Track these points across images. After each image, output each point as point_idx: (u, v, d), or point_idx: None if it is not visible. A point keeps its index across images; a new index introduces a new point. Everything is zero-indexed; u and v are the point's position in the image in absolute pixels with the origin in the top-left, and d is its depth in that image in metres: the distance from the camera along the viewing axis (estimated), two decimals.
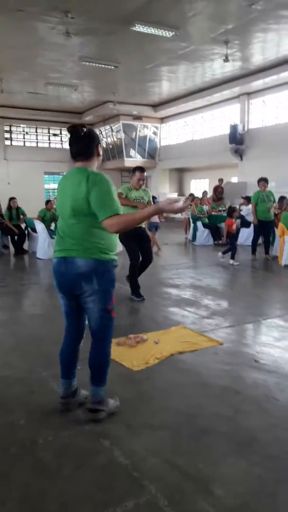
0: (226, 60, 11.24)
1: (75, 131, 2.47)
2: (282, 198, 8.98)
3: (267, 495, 1.93)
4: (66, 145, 21.77)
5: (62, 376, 2.68)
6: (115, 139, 20.71)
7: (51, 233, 9.20)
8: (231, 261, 8.08)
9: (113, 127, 20.61)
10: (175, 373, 3.25)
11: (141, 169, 5.52)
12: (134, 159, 20.77)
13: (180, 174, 21.85)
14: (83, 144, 2.46)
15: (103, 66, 12.34)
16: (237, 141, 15.67)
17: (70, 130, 2.49)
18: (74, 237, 2.40)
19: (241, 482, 2.00)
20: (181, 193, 21.32)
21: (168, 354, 3.56)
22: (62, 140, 22.12)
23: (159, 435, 2.41)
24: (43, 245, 9.10)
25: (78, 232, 2.39)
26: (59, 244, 2.48)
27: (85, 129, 2.47)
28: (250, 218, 10.51)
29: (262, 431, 2.42)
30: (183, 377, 3.16)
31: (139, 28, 9.30)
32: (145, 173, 5.57)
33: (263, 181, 8.48)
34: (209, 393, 2.89)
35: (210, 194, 14.86)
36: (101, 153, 2.54)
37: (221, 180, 15.09)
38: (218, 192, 14.59)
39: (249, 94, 15.80)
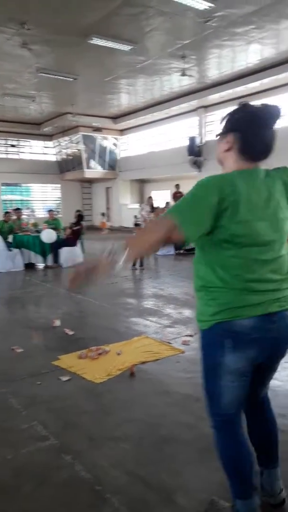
0: (183, 74, 11.51)
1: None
2: None
3: (230, 501, 1.94)
4: (24, 156, 21.51)
5: (246, 495, 1.69)
6: (75, 150, 20.64)
7: (9, 245, 9.01)
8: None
9: (72, 139, 20.54)
10: (137, 383, 3.24)
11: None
12: (94, 170, 20.77)
13: (141, 185, 22.03)
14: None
15: (61, 78, 12.32)
16: (195, 153, 16.02)
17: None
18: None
19: (204, 490, 2.01)
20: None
21: (130, 364, 3.54)
22: (19, 151, 21.77)
23: (122, 447, 2.39)
24: (0, 258, 8.88)
25: None
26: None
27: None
28: None
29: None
30: (145, 387, 3.16)
31: (97, 41, 9.38)
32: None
33: None
34: (171, 402, 2.90)
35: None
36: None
37: (177, 186, 15.32)
38: (177, 198, 14.81)
39: (206, 107, 16.23)
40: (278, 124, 1.59)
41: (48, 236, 9.20)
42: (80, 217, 9.93)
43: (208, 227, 1.50)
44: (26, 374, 3.43)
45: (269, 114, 1.57)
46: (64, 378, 3.32)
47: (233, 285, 1.54)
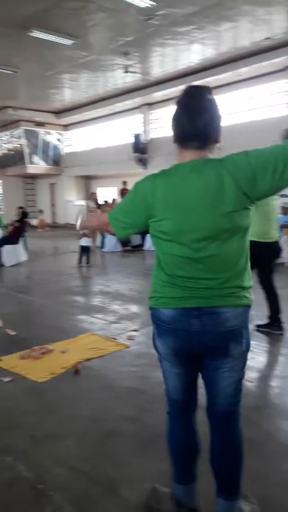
0: (126, 71, 11.53)
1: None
2: None
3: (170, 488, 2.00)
4: None
5: (181, 480, 1.77)
6: (16, 145, 20.03)
7: None
8: None
9: (13, 133, 19.91)
10: (82, 380, 3.23)
11: None
12: (37, 165, 20.26)
13: (87, 182, 21.80)
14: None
15: (0, 70, 11.89)
16: (140, 150, 16.12)
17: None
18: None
19: (146, 479, 2.06)
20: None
21: (75, 362, 3.52)
22: None
23: (65, 443, 2.38)
24: None
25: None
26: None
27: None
28: None
29: (164, 427, 2.49)
30: (90, 383, 3.16)
31: (37, 34, 9.15)
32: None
33: None
34: (115, 396, 2.93)
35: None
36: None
37: (125, 183, 15.35)
38: (124, 194, 14.84)
39: (150, 105, 16.36)
40: (212, 107, 1.54)
41: None
42: (24, 214, 9.66)
43: (139, 225, 1.63)
44: None
45: (187, 95, 1.56)
46: (6, 379, 3.24)
47: (161, 276, 1.61)
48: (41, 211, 20.97)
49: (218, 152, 1.60)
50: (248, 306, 1.57)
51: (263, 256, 4.10)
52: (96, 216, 1.88)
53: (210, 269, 1.51)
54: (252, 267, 1.62)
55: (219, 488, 1.67)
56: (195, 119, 1.51)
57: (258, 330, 4.26)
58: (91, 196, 12.97)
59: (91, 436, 2.45)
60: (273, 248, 4.29)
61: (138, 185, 1.61)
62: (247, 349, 1.61)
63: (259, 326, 4.31)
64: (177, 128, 1.57)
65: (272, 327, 4.27)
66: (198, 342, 1.56)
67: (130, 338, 4.19)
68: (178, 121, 1.56)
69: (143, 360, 3.60)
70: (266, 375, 3.21)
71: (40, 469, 2.14)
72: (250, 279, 1.59)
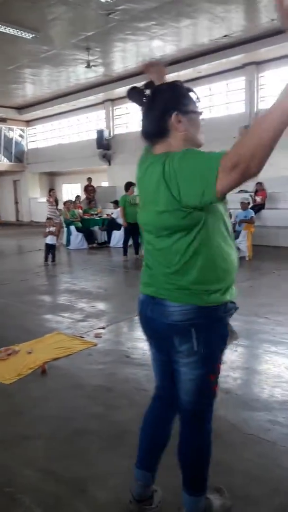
0: (88, 66, 11.44)
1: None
2: None
3: None
4: None
5: (139, 465, 1.81)
6: None
7: None
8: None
9: None
10: (50, 380, 3.22)
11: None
12: (0, 162, 19.81)
13: (51, 178, 21.49)
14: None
15: None
16: (104, 146, 16.04)
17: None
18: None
19: (113, 476, 2.08)
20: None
21: (42, 362, 3.49)
22: None
23: (33, 444, 2.37)
24: None
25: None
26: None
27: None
28: (120, 220, 10.86)
29: (132, 423, 2.52)
30: (58, 383, 3.15)
31: None
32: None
33: (132, 185, 8.82)
34: (83, 394, 2.93)
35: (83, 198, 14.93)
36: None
37: (89, 179, 15.23)
38: (89, 190, 14.72)
39: (113, 101, 16.29)
40: (149, 103, 1.55)
41: None
42: None
43: None
44: None
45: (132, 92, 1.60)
46: None
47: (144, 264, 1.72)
48: None
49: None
50: (204, 307, 1.50)
51: None
52: None
53: (157, 262, 1.58)
54: None
55: (182, 482, 1.70)
56: (142, 119, 1.58)
57: None
58: (49, 192, 12.75)
59: (59, 435, 2.45)
60: None
61: None
62: (207, 351, 1.54)
63: None
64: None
65: None
66: (150, 328, 1.68)
67: (97, 335, 4.20)
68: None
69: (110, 358, 3.62)
70: (228, 366, 3.30)
71: (7, 471, 2.13)
72: (207, 280, 1.50)
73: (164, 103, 1.51)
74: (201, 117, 1.59)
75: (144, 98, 1.56)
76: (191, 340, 1.53)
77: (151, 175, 1.49)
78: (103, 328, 4.45)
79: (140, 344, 3.90)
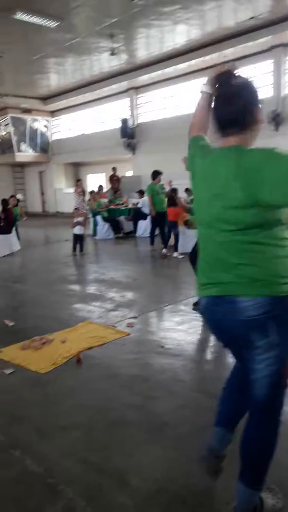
0: (112, 53, 11.30)
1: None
2: (173, 190, 9.30)
3: (182, 476, 1.99)
4: None
5: (218, 423, 1.87)
6: (4, 133, 19.66)
7: None
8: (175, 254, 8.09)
9: (0, 121, 19.53)
10: (84, 370, 3.21)
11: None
12: (25, 153, 19.95)
13: (76, 169, 21.53)
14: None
15: None
16: (128, 135, 15.90)
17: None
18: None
19: (156, 468, 2.05)
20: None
21: (76, 351, 3.49)
22: None
23: (72, 435, 2.36)
24: None
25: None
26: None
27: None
28: (146, 210, 10.78)
29: (171, 414, 2.50)
30: (93, 372, 3.14)
31: (21, 16, 8.89)
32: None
33: (159, 174, 8.71)
34: (119, 384, 2.90)
35: (106, 188, 14.89)
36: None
37: (114, 169, 15.14)
38: (114, 180, 14.65)
39: (137, 89, 16.10)
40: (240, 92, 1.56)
41: None
42: (3, 203, 9.44)
43: None
44: None
45: (219, 83, 1.64)
46: (8, 371, 3.20)
47: (199, 264, 1.65)
48: (18, 200, 20.65)
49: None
50: (279, 297, 1.46)
51: None
52: None
53: (221, 257, 1.54)
54: None
55: (240, 472, 1.65)
56: (222, 106, 1.55)
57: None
58: (76, 183, 12.78)
59: (97, 426, 2.43)
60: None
61: None
62: (286, 343, 1.51)
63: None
64: (213, 115, 1.61)
65: None
66: (222, 331, 1.66)
67: (130, 325, 4.16)
68: (213, 109, 1.61)
69: (144, 347, 3.58)
70: None
71: (48, 462, 2.12)
72: (280, 270, 1.47)
73: (251, 95, 1.54)
74: None
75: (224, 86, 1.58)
76: (269, 333, 1.47)
77: (219, 169, 1.48)
78: (135, 317, 4.41)
79: (173, 334, 3.85)
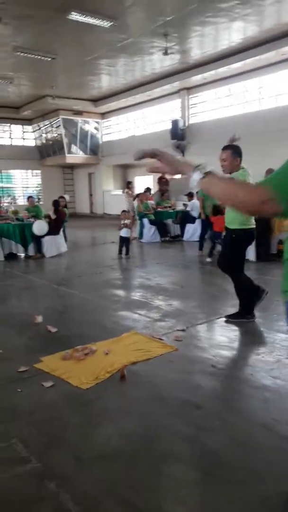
0: (165, 53, 11.06)
1: None
2: None
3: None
4: (3, 141, 20.72)
5: None
6: (55, 135, 19.98)
7: None
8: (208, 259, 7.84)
9: (52, 123, 19.86)
10: (129, 388, 2.94)
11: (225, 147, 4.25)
12: (76, 155, 20.17)
13: (124, 171, 21.51)
14: None
15: (39, 57, 11.72)
16: (179, 136, 15.59)
17: None
18: None
19: None
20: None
21: (120, 365, 3.24)
22: None
23: (114, 467, 2.10)
24: None
25: None
26: None
27: None
28: (195, 213, 10.42)
29: (227, 452, 2.17)
30: (138, 392, 2.86)
31: (75, 16, 8.86)
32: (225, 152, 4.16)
33: None
34: (168, 410, 2.61)
35: (154, 191, 14.66)
36: None
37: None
38: (162, 182, 14.38)
39: (188, 89, 15.78)
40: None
41: (40, 227, 8.72)
42: (55, 204, 9.43)
43: None
44: (5, 379, 3.10)
45: None
46: (47, 384, 3.00)
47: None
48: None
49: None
50: None
51: (246, 244, 4.33)
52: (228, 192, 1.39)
53: None
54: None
55: None
56: None
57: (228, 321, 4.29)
58: (127, 185, 12.65)
59: (142, 459, 2.15)
60: (253, 236, 4.31)
61: None
62: None
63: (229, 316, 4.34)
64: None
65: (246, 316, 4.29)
66: None
67: (177, 339, 3.86)
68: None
69: (194, 366, 3.27)
70: None
71: (87, 500, 1.86)
72: None
73: None
74: None
75: None
76: None
77: None
78: (183, 330, 4.10)
79: (225, 352, 3.51)
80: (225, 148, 4.21)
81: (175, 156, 1.55)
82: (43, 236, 8.80)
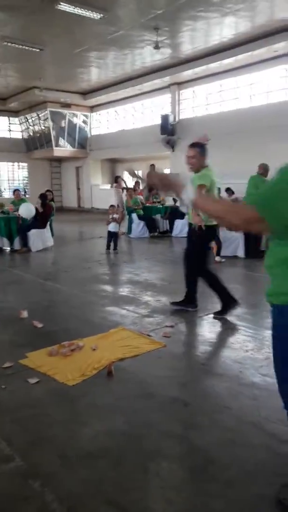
0: (156, 47, 10.96)
1: None
2: (228, 190, 8.79)
3: None
4: None
5: None
6: (43, 127, 19.72)
7: None
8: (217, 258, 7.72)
9: (40, 115, 19.58)
10: (116, 385, 2.89)
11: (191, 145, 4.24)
12: (63, 148, 19.94)
13: (113, 165, 21.36)
14: None
15: (27, 48, 11.51)
16: (169, 131, 15.52)
17: None
18: None
19: None
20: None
21: (107, 361, 3.18)
22: None
23: (100, 465, 2.05)
24: None
25: None
26: None
27: None
28: (183, 209, 10.39)
29: (216, 450, 2.14)
30: (125, 389, 2.81)
31: (64, 7, 8.69)
32: (194, 149, 4.14)
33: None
34: (155, 407, 2.56)
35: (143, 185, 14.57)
36: None
37: (152, 166, 14.77)
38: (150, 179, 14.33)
39: (179, 84, 15.69)
40: None
41: (27, 209, 8.55)
42: (42, 198, 9.26)
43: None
44: None
45: None
46: (32, 381, 2.93)
47: None
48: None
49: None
50: None
51: (209, 240, 4.45)
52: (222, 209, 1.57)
53: None
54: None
55: None
56: None
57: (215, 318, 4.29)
58: (115, 180, 12.54)
59: (129, 457, 2.10)
60: (215, 232, 4.45)
61: None
62: None
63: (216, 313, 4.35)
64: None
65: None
66: None
67: (166, 335, 3.82)
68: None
69: (182, 363, 3.24)
70: None
71: (72, 500, 1.81)
72: None
73: None
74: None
75: None
76: None
77: None
78: (172, 326, 4.06)
79: (215, 350, 3.48)
80: (192, 145, 4.21)
81: (163, 176, 1.72)
82: (29, 230, 8.67)
